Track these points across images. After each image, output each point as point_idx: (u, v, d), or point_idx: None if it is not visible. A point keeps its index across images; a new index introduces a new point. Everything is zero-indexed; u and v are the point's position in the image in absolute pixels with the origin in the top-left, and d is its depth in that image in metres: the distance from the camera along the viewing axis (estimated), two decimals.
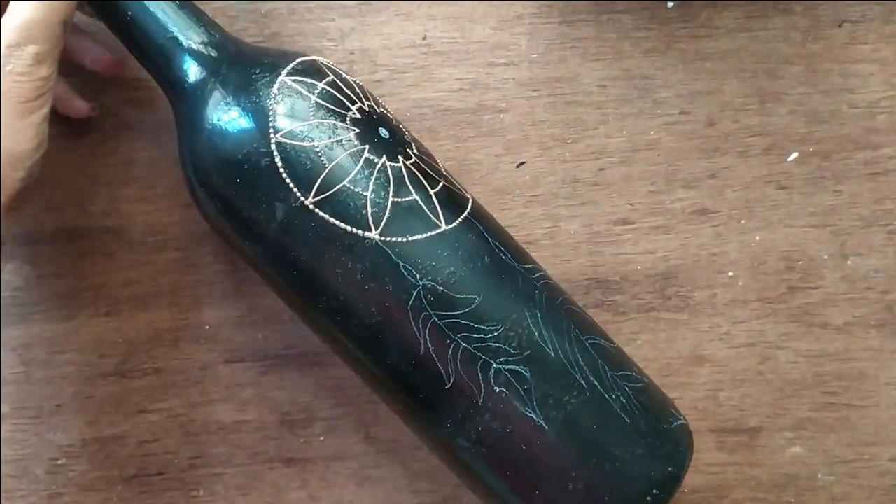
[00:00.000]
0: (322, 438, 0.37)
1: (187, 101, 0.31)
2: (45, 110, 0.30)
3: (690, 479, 0.37)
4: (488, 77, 0.39)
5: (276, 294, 0.33)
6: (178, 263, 0.38)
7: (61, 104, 0.36)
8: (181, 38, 0.31)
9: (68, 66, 0.36)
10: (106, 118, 0.38)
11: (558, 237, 0.38)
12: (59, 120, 0.36)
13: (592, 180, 0.39)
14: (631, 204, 0.38)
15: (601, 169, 0.39)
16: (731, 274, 0.38)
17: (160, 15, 0.31)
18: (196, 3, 0.33)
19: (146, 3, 0.31)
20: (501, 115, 0.39)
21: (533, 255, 0.37)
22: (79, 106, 0.36)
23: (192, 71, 0.31)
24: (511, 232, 0.38)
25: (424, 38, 0.39)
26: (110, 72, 0.37)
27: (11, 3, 0.29)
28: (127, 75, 0.38)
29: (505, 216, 0.38)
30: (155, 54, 0.32)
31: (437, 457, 0.32)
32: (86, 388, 0.37)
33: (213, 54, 0.31)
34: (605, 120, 0.39)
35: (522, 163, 0.39)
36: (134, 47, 0.32)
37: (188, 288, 0.38)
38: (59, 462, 0.37)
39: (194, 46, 0.31)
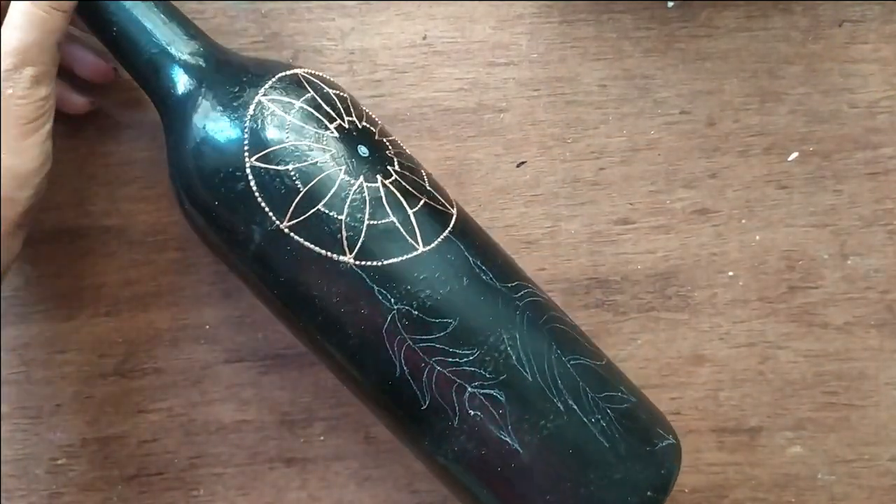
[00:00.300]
0: (322, 438, 0.37)
1: (173, 116, 0.31)
2: (48, 128, 0.30)
3: (690, 479, 0.37)
4: (488, 77, 0.39)
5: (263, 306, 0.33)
6: (178, 263, 0.38)
7: (59, 102, 0.35)
8: (169, 50, 0.31)
9: (60, 71, 0.35)
10: (106, 118, 0.38)
11: (558, 237, 0.38)
12: (58, 118, 0.36)
13: (593, 180, 0.39)
14: (631, 204, 0.38)
15: (601, 169, 0.39)
16: (731, 274, 0.38)
17: (148, 27, 0.31)
18: (195, 3, 0.33)
19: (131, 12, 0.31)
20: (501, 115, 0.39)
21: (533, 255, 0.38)
22: (76, 101, 0.36)
23: (178, 85, 0.31)
24: (511, 232, 0.38)
25: (424, 38, 0.39)
26: (102, 79, 0.37)
27: (4, 27, 0.29)
28: (126, 76, 0.38)
29: (505, 216, 0.38)
30: (142, 68, 0.32)
31: (424, 466, 0.32)
32: (86, 388, 0.37)
33: (200, 63, 0.31)
34: (606, 119, 0.39)
35: (522, 162, 0.39)
36: (122, 60, 0.32)
37: (188, 288, 0.38)
38: (59, 462, 0.37)
39: (180, 60, 0.31)
